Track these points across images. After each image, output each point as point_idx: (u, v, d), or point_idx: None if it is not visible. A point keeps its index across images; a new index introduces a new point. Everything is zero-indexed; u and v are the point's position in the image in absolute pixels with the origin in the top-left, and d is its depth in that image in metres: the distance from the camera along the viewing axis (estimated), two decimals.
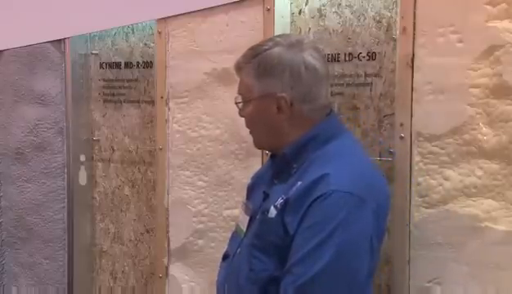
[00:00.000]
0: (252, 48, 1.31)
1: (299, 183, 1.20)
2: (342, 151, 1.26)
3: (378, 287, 1.72)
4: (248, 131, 1.38)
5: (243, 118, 1.37)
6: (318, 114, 1.29)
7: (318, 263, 1.11)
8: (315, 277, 1.11)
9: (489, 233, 1.49)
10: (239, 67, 1.32)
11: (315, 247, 1.11)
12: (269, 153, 1.42)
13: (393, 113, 1.64)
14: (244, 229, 1.32)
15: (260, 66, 1.27)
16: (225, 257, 1.41)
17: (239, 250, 1.31)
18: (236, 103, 1.34)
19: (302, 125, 1.27)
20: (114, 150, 2.32)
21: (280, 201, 1.21)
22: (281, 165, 1.30)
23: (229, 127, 1.93)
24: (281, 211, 1.19)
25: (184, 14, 1.99)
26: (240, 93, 1.33)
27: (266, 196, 1.29)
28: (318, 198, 1.14)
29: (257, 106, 1.29)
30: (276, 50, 1.26)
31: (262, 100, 1.27)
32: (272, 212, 1.21)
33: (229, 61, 1.90)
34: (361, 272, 1.14)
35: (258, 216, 1.28)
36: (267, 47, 1.28)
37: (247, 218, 1.33)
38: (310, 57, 1.26)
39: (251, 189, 1.45)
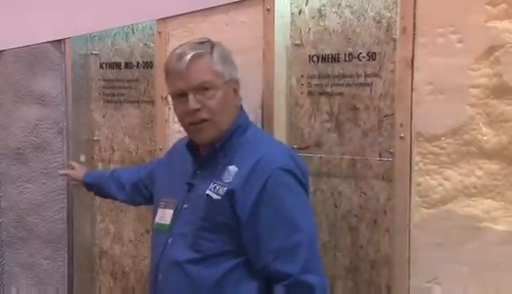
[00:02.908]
0: (201, 42, 1.44)
1: (231, 167, 1.34)
2: (260, 137, 1.45)
3: (378, 288, 1.72)
4: None
5: None
6: (239, 103, 1.46)
7: (301, 249, 1.29)
8: (307, 259, 1.29)
9: (489, 233, 1.49)
10: (199, 55, 1.38)
11: (288, 240, 1.29)
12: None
13: (393, 113, 1.64)
14: (169, 222, 1.41)
15: (222, 54, 1.42)
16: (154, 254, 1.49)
17: (170, 240, 1.39)
18: (205, 89, 1.37)
19: (235, 110, 1.43)
20: (114, 150, 2.31)
21: (213, 185, 1.34)
22: (208, 157, 1.41)
23: None
24: (227, 196, 1.32)
25: (184, 14, 1.99)
26: (205, 80, 1.37)
27: (190, 186, 1.40)
28: (264, 184, 1.29)
29: (225, 91, 1.40)
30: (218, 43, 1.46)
31: (228, 85, 1.41)
32: (214, 196, 1.33)
33: None
34: (314, 227, 1.37)
35: (185, 206, 1.39)
36: (211, 41, 1.45)
37: (171, 212, 1.43)
38: None
39: (159, 187, 1.56)
